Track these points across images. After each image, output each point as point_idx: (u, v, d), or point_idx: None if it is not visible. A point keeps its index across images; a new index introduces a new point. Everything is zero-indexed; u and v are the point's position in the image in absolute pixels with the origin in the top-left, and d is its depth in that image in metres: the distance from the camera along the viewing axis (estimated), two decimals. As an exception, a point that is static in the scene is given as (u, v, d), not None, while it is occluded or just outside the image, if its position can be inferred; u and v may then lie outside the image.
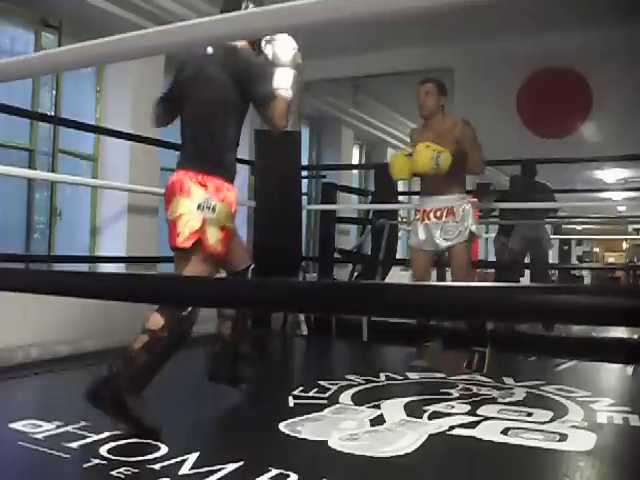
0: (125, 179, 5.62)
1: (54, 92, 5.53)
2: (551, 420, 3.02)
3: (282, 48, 2.99)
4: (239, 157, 6.80)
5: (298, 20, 1.23)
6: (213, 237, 2.88)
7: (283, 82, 2.96)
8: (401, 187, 9.56)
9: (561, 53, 6.32)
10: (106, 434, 2.62)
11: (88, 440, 2.55)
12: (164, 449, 2.47)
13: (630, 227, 16.00)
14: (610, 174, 11.14)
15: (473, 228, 4.10)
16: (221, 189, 2.93)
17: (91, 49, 1.45)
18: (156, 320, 2.79)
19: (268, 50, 3.01)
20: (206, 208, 2.86)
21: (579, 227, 13.50)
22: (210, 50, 2.98)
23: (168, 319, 2.77)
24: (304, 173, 7.19)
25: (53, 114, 5.47)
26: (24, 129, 5.25)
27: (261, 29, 1.34)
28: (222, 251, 2.93)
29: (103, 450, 2.44)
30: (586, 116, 6.63)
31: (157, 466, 2.30)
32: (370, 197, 8.39)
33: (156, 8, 5.61)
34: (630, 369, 4.43)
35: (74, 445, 2.49)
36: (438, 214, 4.11)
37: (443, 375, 4.04)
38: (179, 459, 2.36)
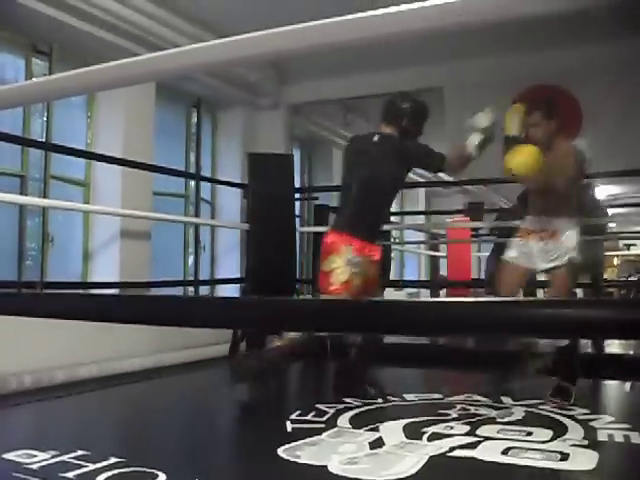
0: (117, 204, 5.60)
1: (45, 118, 5.52)
2: (551, 439, 2.99)
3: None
4: (232, 180, 6.85)
5: (292, 45, 1.23)
6: (357, 285, 3.60)
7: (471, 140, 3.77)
8: (392, 207, 9.58)
9: (550, 70, 6.35)
10: (103, 463, 2.58)
11: (85, 470, 2.51)
12: (162, 477, 2.43)
13: (621, 243, 16.05)
14: (601, 191, 11.19)
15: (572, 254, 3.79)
16: (364, 248, 3.67)
17: (85, 76, 1.45)
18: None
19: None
20: (352, 264, 3.59)
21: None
22: (374, 138, 3.80)
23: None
24: (296, 195, 7.18)
25: (44, 140, 5.46)
26: (15, 155, 5.24)
27: (255, 55, 1.34)
28: (343, 289, 3.57)
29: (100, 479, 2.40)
30: (577, 133, 6.66)
31: (156, 495, 2.27)
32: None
33: (147, 33, 5.63)
34: (628, 385, 4.42)
35: (70, 475, 2.45)
36: (543, 235, 3.86)
37: (441, 395, 4.01)
38: (178, 487, 2.33)
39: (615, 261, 22.30)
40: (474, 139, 3.69)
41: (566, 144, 3.90)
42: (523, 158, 3.61)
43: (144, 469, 2.52)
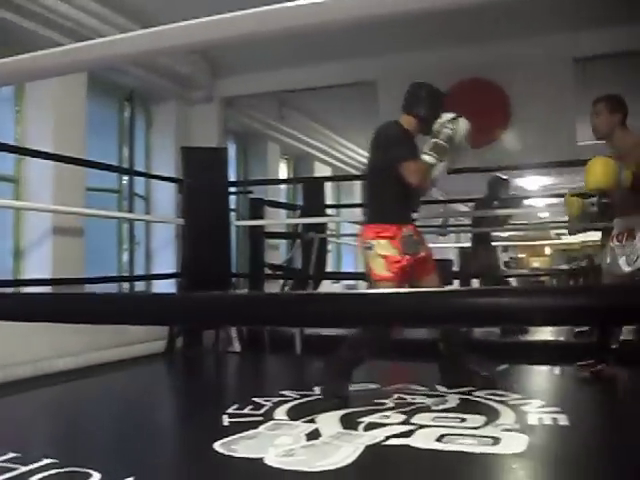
0: (49, 200, 5.48)
1: (-30, 113, 5.37)
2: (484, 425, 3.07)
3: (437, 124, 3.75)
4: (167, 175, 6.75)
5: (227, 33, 1.23)
6: (377, 266, 3.69)
7: (425, 148, 3.69)
8: (329, 200, 9.62)
9: (479, 65, 6.47)
10: (35, 465, 2.53)
11: (16, 472, 2.46)
12: (97, 477, 2.40)
13: (552, 233, 16.50)
14: (531, 182, 11.44)
15: None
16: (378, 231, 3.73)
17: (7, 66, 1.41)
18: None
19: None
20: (367, 249, 3.75)
21: (504, 234, 13.78)
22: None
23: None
24: (231, 189, 7.15)
25: (-30, 135, 5.31)
26: (-61, 152, 5.07)
27: (184, 44, 1.33)
28: (392, 275, 3.67)
29: (32, 482, 2.35)
30: (506, 126, 6.80)
31: (90, 494, 2.24)
32: (299, 211, 8.41)
33: (75, 24, 5.51)
34: (558, 370, 4.54)
35: (1, 478, 2.40)
36: (620, 237, 3.93)
37: (378, 385, 4.06)
38: (113, 486, 2.30)
39: (547, 250, 22.94)
40: (426, 146, 3.68)
41: (631, 135, 3.96)
42: (597, 175, 3.67)
43: (78, 469, 2.48)
